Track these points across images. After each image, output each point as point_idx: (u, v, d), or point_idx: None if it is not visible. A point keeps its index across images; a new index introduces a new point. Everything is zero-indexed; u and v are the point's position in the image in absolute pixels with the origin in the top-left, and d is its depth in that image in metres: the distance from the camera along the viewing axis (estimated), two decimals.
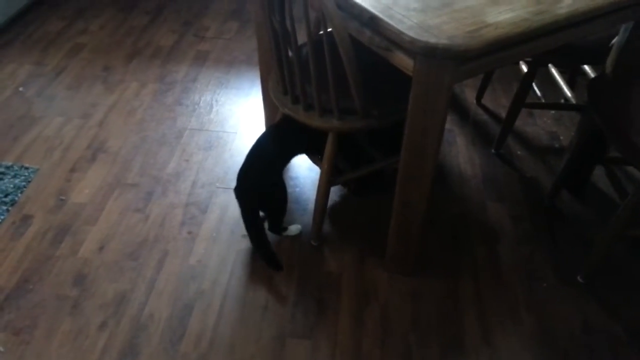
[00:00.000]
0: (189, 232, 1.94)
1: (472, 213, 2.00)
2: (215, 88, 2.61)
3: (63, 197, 2.06)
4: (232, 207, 2.02)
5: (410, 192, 1.57)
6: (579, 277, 1.77)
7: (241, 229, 1.94)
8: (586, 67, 2.21)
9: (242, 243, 1.89)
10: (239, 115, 2.45)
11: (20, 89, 2.60)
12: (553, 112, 2.46)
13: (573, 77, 2.39)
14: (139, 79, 2.67)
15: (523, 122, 2.37)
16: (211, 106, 2.50)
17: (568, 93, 2.24)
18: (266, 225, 1.87)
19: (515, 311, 1.68)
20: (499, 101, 2.51)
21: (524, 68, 2.21)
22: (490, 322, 1.65)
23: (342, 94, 1.56)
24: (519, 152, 2.26)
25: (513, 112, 2.13)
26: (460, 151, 2.25)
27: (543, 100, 2.46)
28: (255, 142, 1.80)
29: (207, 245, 1.89)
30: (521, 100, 2.10)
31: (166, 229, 1.94)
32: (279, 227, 1.89)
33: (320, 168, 1.76)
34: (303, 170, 2.16)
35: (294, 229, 1.92)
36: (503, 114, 2.40)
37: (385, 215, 1.85)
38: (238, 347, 1.60)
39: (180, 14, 3.22)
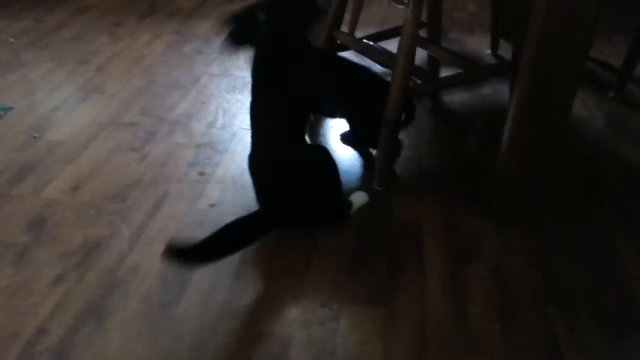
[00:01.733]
0: (201, 173, 1.38)
1: (604, 158, 1.41)
2: None
3: (37, 135, 1.54)
4: None
5: (543, 107, 1.01)
6: None
7: None
8: None
9: None
10: None
11: (11, 39, 2.16)
12: None
13: None
14: (153, 32, 2.22)
15: None
16: (237, 55, 2.02)
17: None
18: None
19: None
20: (600, 51, 1.97)
21: None
22: None
23: None
24: None
25: (639, 43, 1.59)
26: None
27: None
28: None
29: (224, 187, 1.32)
30: None
31: (169, 170, 1.39)
32: (340, 210, 1.23)
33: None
34: None
35: (359, 197, 1.28)
36: (611, 61, 1.87)
37: (470, 153, 1.28)
38: (266, 318, 0.99)
39: None
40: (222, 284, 1.06)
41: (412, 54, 1.21)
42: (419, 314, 0.99)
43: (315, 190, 1.14)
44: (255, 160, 1.18)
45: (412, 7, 1.18)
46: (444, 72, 1.62)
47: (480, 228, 1.19)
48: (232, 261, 1.10)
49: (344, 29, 1.67)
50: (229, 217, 1.22)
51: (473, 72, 1.42)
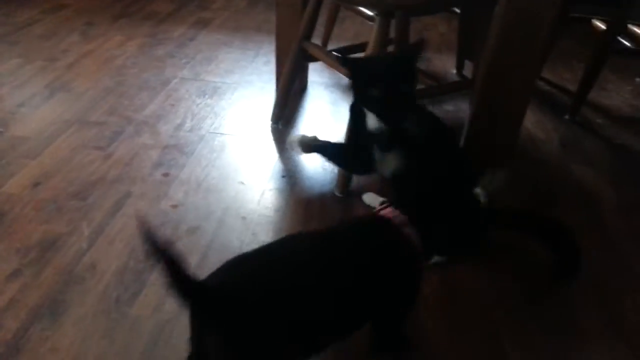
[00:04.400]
0: (165, 174, 1.38)
1: (556, 177, 1.48)
2: (216, 47, 2.16)
3: (1, 129, 1.52)
4: (229, 153, 1.49)
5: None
6: None
7: (240, 174, 1.41)
8: None
9: (238, 190, 1.34)
10: (242, 71, 1.98)
11: None
12: (631, 87, 2.01)
13: None
14: (126, 33, 2.22)
15: (597, 95, 1.91)
16: (210, 60, 2.03)
17: None
18: None
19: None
20: (560, 75, 2.07)
21: (601, 25, 1.80)
22: (608, 297, 1.08)
23: None
24: (598, 121, 1.77)
25: (594, 70, 1.69)
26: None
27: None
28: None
29: (188, 189, 1.34)
30: (603, 55, 1.67)
31: (133, 169, 1.39)
32: None
33: None
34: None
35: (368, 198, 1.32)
36: (568, 86, 1.96)
37: None
38: None
39: None
40: None
41: None
42: None
43: None
44: None
45: (379, 24, 1.23)
46: None
47: None
48: (191, 260, 1.11)
49: (317, 41, 1.72)
50: (191, 219, 1.24)
51: (435, 88, 1.48)
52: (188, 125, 1.61)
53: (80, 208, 1.25)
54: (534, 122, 1.74)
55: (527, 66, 1.18)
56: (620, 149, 1.63)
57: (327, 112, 1.75)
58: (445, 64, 2.12)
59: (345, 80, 1.79)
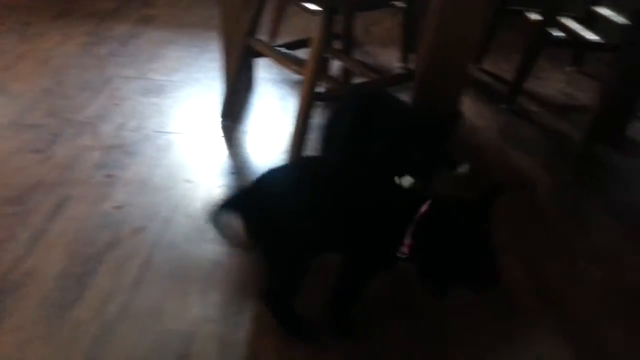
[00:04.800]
0: (108, 176, 1.36)
1: (494, 162, 1.54)
2: (161, 45, 2.13)
3: None
4: (175, 151, 1.47)
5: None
6: None
7: (188, 172, 1.40)
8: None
9: (186, 189, 1.33)
10: (188, 69, 1.95)
11: None
12: (564, 76, 2.11)
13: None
14: (65, 33, 2.15)
15: (532, 84, 1.99)
16: (154, 58, 2.00)
17: (592, 35, 1.88)
18: None
19: (575, 262, 1.18)
20: (499, 66, 2.15)
21: (535, 17, 1.89)
22: (544, 276, 1.14)
23: None
24: (534, 109, 1.85)
25: (528, 60, 1.76)
26: (464, 104, 1.82)
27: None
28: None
29: (132, 189, 1.32)
30: (537, 45, 1.74)
31: (74, 172, 1.36)
32: None
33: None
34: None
35: None
36: (506, 77, 2.04)
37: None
38: (168, 317, 1.00)
39: None
40: (123, 286, 1.05)
41: (320, 62, 1.28)
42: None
43: None
44: None
45: (323, 19, 1.25)
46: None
47: None
48: (136, 261, 1.10)
49: (264, 38, 1.72)
50: (135, 219, 1.22)
51: (378, 80, 1.50)
52: (132, 124, 1.58)
53: (17, 213, 1.21)
54: (474, 112, 1.80)
55: (462, 58, 1.22)
56: (554, 134, 1.72)
57: (276, 108, 1.76)
58: (390, 58, 2.16)
59: (293, 76, 1.80)
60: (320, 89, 1.39)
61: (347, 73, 1.81)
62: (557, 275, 1.16)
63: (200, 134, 1.58)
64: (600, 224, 1.32)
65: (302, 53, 1.67)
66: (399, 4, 2.05)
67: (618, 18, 1.88)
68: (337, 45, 1.76)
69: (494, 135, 1.68)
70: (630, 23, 1.65)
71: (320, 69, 1.31)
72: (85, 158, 1.42)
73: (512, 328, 1.03)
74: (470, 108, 1.81)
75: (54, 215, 1.21)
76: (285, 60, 1.46)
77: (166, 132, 1.56)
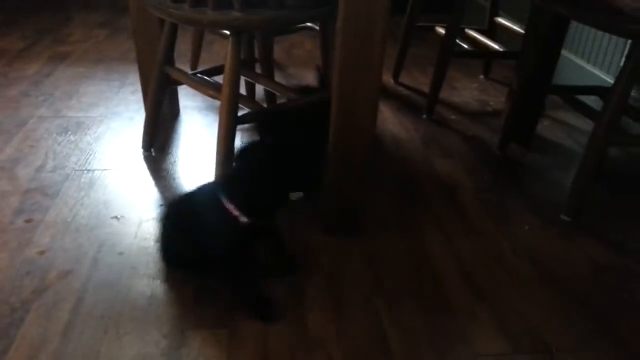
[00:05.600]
0: (28, 220, 1.29)
1: (420, 171, 1.60)
2: (77, 81, 2.06)
3: None
4: (98, 189, 1.42)
5: (353, 105, 1.15)
6: (562, 216, 1.41)
7: (114, 209, 1.35)
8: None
9: (113, 226, 1.29)
10: (107, 103, 1.90)
11: None
12: (476, 84, 2.25)
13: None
14: None
15: (449, 94, 2.11)
16: (70, 96, 1.93)
17: (494, 45, 2.03)
18: None
19: (502, 259, 1.25)
20: (417, 80, 2.26)
21: (442, 31, 2.01)
22: (475, 275, 1.20)
23: None
24: (452, 117, 1.96)
25: (440, 71, 1.87)
26: (387, 118, 1.90)
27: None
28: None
29: (55, 232, 1.25)
30: (446, 57, 1.86)
31: None
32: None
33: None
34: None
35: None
36: (424, 89, 2.14)
37: None
38: (105, 359, 0.95)
39: (36, 24, 2.67)
40: (53, 333, 1.00)
41: (236, 86, 1.30)
42: (260, 328, 1.03)
43: None
44: None
45: (232, 43, 1.27)
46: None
47: (321, 241, 1.28)
48: (66, 305, 1.05)
49: (185, 66, 1.71)
50: (60, 263, 1.16)
51: (298, 100, 1.53)
52: (50, 165, 1.51)
53: None
54: (396, 124, 1.88)
55: (370, 75, 1.25)
56: (471, 140, 1.82)
57: (202, 135, 1.75)
58: (312, 79, 2.22)
59: (217, 102, 1.79)
60: (244, 111, 1.40)
61: (271, 95, 1.84)
62: (487, 271, 1.22)
63: (125, 168, 1.53)
64: (522, 219, 1.42)
65: (220, 79, 1.69)
66: (315, 26, 2.11)
67: (516, 27, 2.04)
68: (258, 69, 1.79)
69: (418, 145, 1.75)
70: (525, 32, 1.81)
71: (236, 93, 1.32)
72: (2, 204, 1.34)
73: (450, 328, 1.07)
74: (392, 120, 1.88)
75: None
76: (202, 87, 1.46)
77: (87, 170, 1.50)
